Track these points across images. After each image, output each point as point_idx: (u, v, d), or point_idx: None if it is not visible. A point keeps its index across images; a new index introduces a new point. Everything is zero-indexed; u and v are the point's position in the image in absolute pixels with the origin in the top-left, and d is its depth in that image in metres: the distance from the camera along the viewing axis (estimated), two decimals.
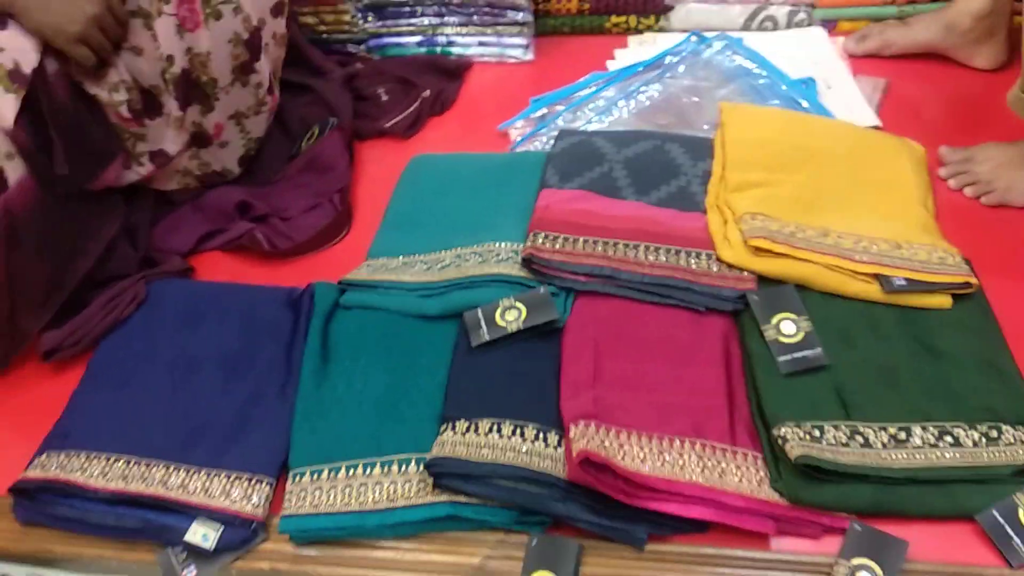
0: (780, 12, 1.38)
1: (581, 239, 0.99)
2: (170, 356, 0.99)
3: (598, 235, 1.00)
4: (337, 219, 1.15)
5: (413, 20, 1.41)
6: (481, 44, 1.42)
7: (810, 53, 1.33)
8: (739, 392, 0.89)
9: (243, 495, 0.85)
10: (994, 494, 0.79)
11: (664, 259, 0.97)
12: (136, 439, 0.90)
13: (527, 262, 0.97)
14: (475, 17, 1.38)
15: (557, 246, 0.98)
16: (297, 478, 0.86)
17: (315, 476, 0.86)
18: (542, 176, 1.11)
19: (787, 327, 0.91)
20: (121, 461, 0.88)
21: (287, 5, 1.15)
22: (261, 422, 0.92)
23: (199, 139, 1.12)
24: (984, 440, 0.82)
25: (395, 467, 0.85)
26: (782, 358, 0.89)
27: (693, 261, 0.97)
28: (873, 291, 0.94)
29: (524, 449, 0.83)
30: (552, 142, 1.19)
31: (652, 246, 0.99)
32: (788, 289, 0.95)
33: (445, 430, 0.86)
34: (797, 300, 0.93)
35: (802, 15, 1.38)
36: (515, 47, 1.41)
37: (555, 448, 0.84)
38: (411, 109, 1.33)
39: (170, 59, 1.01)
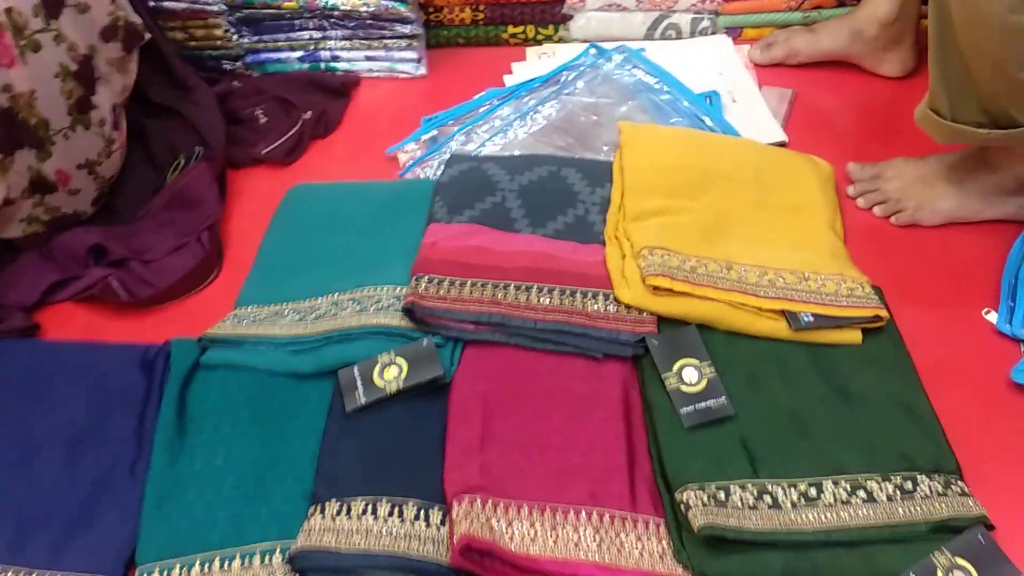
0: (683, 20, 1.31)
1: (468, 282, 0.91)
2: (6, 434, 0.86)
3: (488, 276, 0.92)
4: (205, 260, 1.04)
5: (293, 34, 1.29)
6: (369, 59, 1.32)
7: (715, 63, 1.27)
8: (640, 448, 0.82)
9: None
10: (913, 553, 0.73)
11: (559, 302, 0.89)
12: None
13: (409, 312, 0.88)
14: (360, 31, 1.28)
15: (442, 291, 0.89)
16: None
17: (165, 574, 0.75)
18: (430, 208, 1.02)
19: (689, 374, 0.84)
20: None
21: (123, 28, 1.03)
22: (109, 507, 0.81)
23: (40, 186, 0.99)
24: (899, 493, 0.77)
25: (257, 559, 0.75)
26: (684, 409, 0.82)
27: (590, 303, 0.89)
28: (780, 329, 0.88)
29: (403, 532, 0.74)
30: (443, 167, 1.10)
31: (546, 287, 0.90)
32: (690, 331, 0.88)
33: (313, 514, 0.76)
34: (700, 344, 0.86)
35: (706, 23, 1.31)
36: (406, 61, 1.31)
37: (438, 528, 0.75)
38: (292, 132, 1.22)
39: None
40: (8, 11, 0.88)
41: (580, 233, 0.99)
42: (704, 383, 0.83)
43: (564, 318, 0.87)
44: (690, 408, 0.82)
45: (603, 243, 0.98)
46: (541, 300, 0.89)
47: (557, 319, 0.87)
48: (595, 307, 0.89)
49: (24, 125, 0.92)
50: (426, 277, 0.91)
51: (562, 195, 1.03)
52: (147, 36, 1.10)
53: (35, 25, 0.90)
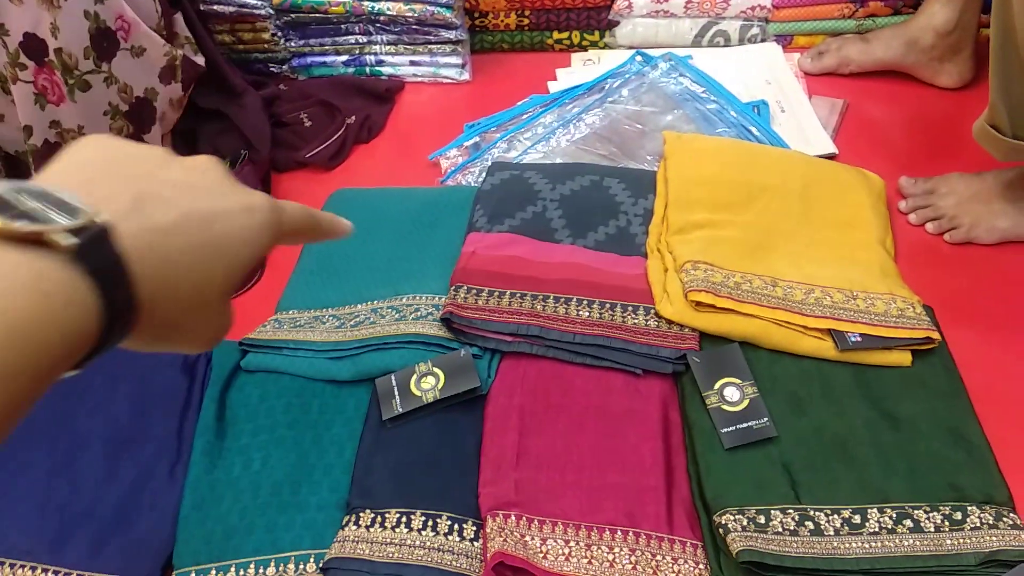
0: (732, 27, 1.29)
1: (507, 293, 0.90)
2: (50, 434, 0.88)
3: (527, 287, 0.91)
4: None
5: (339, 39, 1.30)
6: (413, 63, 1.31)
7: (764, 71, 1.24)
8: (679, 468, 0.81)
9: None
10: None
11: (598, 315, 0.88)
12: (2, 534, 0.79)
13: (447, 321, 0.88)
14: (405, 36, 1.28)
15: (480, 302, 0.89)
16: None
17: None
18: (470, 217, 1.02)
19: (731, 393, 0.82)
20: None
21: (181, 67, 1.04)
22: (147, 511, 0.82)
23: None
24: (947, 524, 0.74)
25: (291, 566, 0.76)
26: (725, 430, 0.80)
27: (630, 317, 0.88)
28: (826, 348, 0.86)
29: (436, 545, 0.74)
30: (484, 174, 1.09)
31: (585, 300, 0.89)
32: (733, 349, 0.86)
33: (347, 523, 0.76)
34: (743, 362, 0.85)
35: (755, 30, 1.29)
36: (450, 67, 1.31)
37: (471, 542, 0.75)
38: (336, 136, 1.22)
39: (28, 129, 0.90)
40: (58, 51, 0.90)
41: (622, 245, 0.98)
42: (746, 403, 0.82)
43: (603, 332, 0.86)
44: (731, 428, 0.80)
45: (645, 255, 0.97)
46: (580, 313, 0.88)
47: (596, 333, 0.86)
48: (635, 321, 0.88)
49: None
50: (465, 287, 0.90)
51: (604, 205, 1.01)
52: (202, 66, 1.12)
53: (85, 67, 0.92)
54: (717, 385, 0.83)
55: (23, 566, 0.77)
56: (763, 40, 1.30)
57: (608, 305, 0.89)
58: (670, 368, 0.86)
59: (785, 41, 1.30)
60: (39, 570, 0.77)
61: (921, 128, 1.19)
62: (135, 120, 0.98)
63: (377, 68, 1.32)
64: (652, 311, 0.89)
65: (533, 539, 0.73)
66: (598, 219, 1.00)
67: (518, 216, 1.00)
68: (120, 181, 0.33)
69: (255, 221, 0.36)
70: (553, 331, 0.87)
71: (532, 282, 0.91)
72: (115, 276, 0.30)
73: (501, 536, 0.71)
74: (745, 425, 0.80)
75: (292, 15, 1.27)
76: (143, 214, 0.32)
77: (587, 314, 0.88)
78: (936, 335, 0.86)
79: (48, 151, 0.92)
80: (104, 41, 0.94)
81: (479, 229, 0.99)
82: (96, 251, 0.29)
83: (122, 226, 0.31)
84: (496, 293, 0.90)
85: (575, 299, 0.89)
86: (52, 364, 0.28)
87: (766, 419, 0.80)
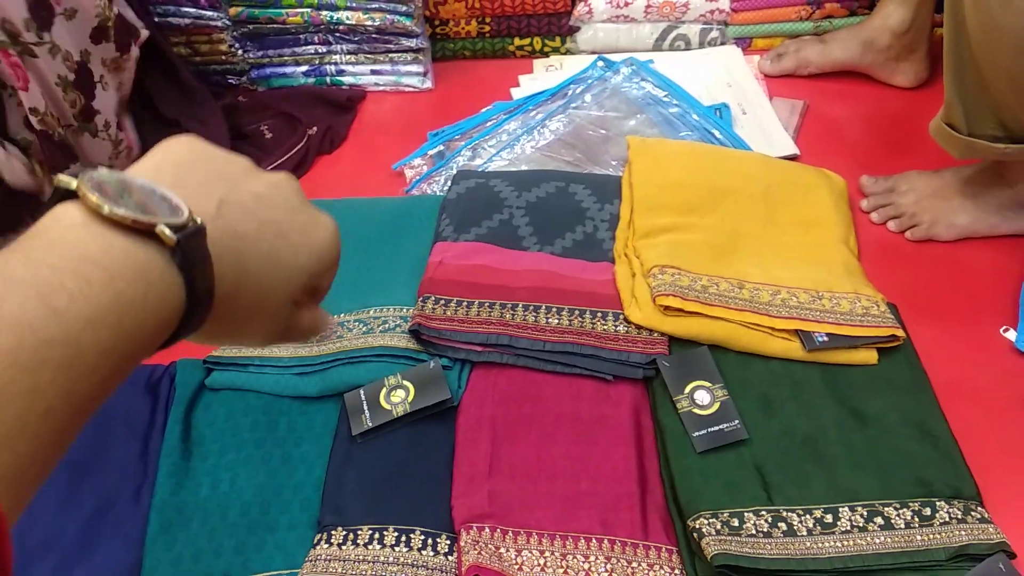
0: (692, 30, 1.29)
1: (475, 303, 0.89)
2: None
3: (495, 296, 0.90)
4: None
5: (298, 49, 1.29)
6: (374, 72, 1.30)
7: (724, 74, 1.25)
8: (652, 473, 0.81)
9: None
10: None
11: (567, 322, 0.88)
12: None
13: (415, 334, 0.87)
14: (365, 45, 1.27)
15: (449, 312, 0.88)
16: None
17: None
18: (436, 226, 1.01)
19: (702, 397, 0.82)
20: None
21: (114, 26, 1.01)
22: (111, 537, 0.79)
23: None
24: (917, 519, 0.75)
25: None
26: (696, 433, 0.80)
27: (599, 323, 0.88)
28: (794, 349, 0.86)
29: (410, 560, 0.73)
30: (450, 182, 1.09)
31: (554, 308, 0.89)
32: (702, 352, 0.86)
33: (319, 541, 0.75)
34: (712, 365, 0.85)
35: (715, 33, 1.30)
36: (411, 75, 1.30)
37: (446, 556, 0.74)
38: (297, 148, 1.21)
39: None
40: (2, 22, 0.87)
41: (589, 251, 0.97)
42: (717, 406, 0.82)
43: (573, 339, 0.86)
44: (703, 432, 0.80)
45: (612, 260, 0.97)
46: (549, 320, 0.88)
47: (566, 340, 0.86)
48: (604, 327, 0.88)
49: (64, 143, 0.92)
50: (432, 298, 0.89)
51: (570, 212, 1.01)
52: (144, 33, 1.09)
53: (29, 38, 0.90)
54: (687, 389, 0.83)
55: None
56: (723, 43, 1.31)
57: (577, 312, 0.89)
58: (640, 373, 0.86)
59: (744, 44, 1.31)
60: None
61: (880, 127, 1.21)
62: (82, 89, 0.95)
63: (338, 78, 1.31)
64: (621, 316, 0.89)
65: (508, 551, 0.72)
66: (565, 225, 1.00)
67: (484, 224, 1.00)
68: (208, 185, 0.36)
69: (321, 238, 0.40)
70: (522, 340, 0.86)
71: (500, 291, 0.91)
72: (202, 273, 0.33)
73: (476, 549, 0.71)
74: (716, 428, 0.80)
75: (249, 26, 1.25)
76: (226, 219, 0.35)
77: (556, 321, 0.88)
78: (900, 332, 0.87)
79: (46, 139, 0.90)
80: (42, 10, 0.91)
81: (445, 238, 0.98)
82: (192, 248, 0.32)
83: (208, 227, 0.33)
84: (464, 303, 0.89)
85: (544, 307, 0.89)
86: (141, 348, 0.31)
87: (737, 422, 0.81)
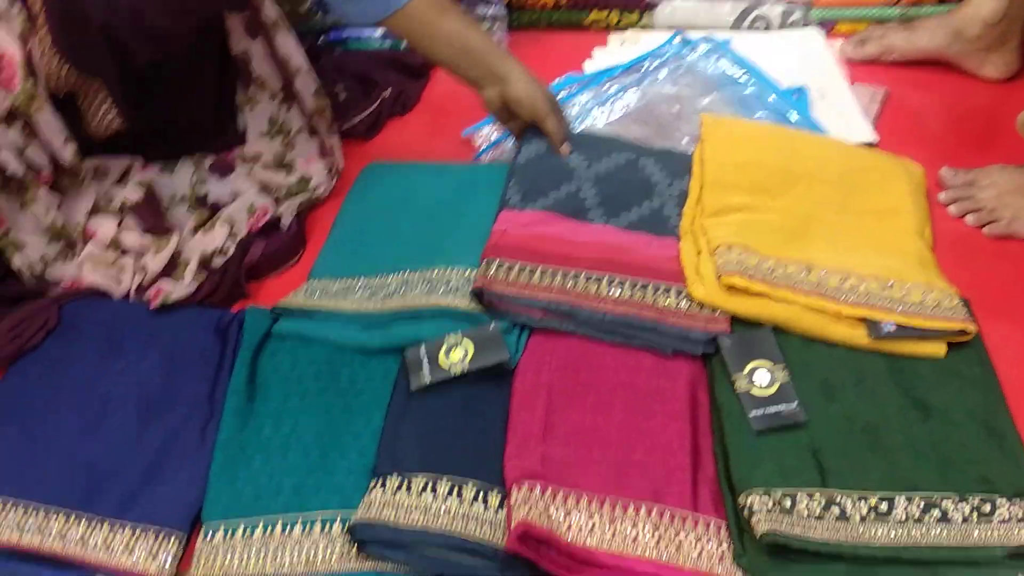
0: (773, 11, 1.27)
1: (539, 269, 0.90)
2: (83, 391, 0.89)
3: (559, 264, 0.91)
4: (291, 242, 1.05)
5: None
6: None
7: (804, 57, 1.23)
8: (705, 449, 0.80)
9: (148, 553, 0.76)
10: None
11: (629, 294, 0.88)
12: (36, 484, 0.81)
13: (478, 295, 0.88)
14: None
15: (511, 277, 0.89)
16: (210, 535, 0.77)
17: (229, 534, 0.77)
18: (503, 194, 1.01)
19: (761, 377, 0.82)
20: (18, 509, 0.79)
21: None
22: (177, 468, 0.83)
23: None
24: (976, 515, 0.73)
25: (318, 527, 0.77)
26: (754, 413, 0.80)
27: (662, 298, 0.88)
28: (859, 336, 0.85)
29: (461, 512, 0.74)
30: (521, 144, 1.09)
31: (617, 278, 0.89)
32: (764, 332, 0.85)
33: (374, 487, 0.77)
34: (774, 346, 0.84)
35: (797, 15, 1.27)
36: None
37: (496, 511, 0.75)
38: (371, 109, 1.23)
39: None
40: None
41: (655, 226, 0.97)
42: (776, 387, 0.81)
43: (634, 311, 0.86)
44: (760, 412, 0.80)
45: (678, 237, 0.96)
46: (611, 292, 0.88)
47: (626, 312, 0.86)
48: (666, 302, 0.87)
49: None
50: (496, 261, 0.90)
51: (639, 186, 1.01)
52: None
53: None
54: (747, 368, 0.82)
55: (57, 513, 0.79)
56: (805, 25, 1.28)
57: (640, 284, 0.89)
58: (700, 349, 0.85)
59: (827, 27, 1.28)
60: (72, 518, 0.78)
61: (963, 119, 1.17)
62: None
63: None
64: (684, 292, 0.88)
65: (557, 511, 0.73)
66: (632, 199, 1.00)
67: (551, 195, 1.00)
68: None
69: None
70: (583, 309, 0.87)
71: (564, 259, 0.91)
72: None
73: (526, 506, 0.72)
74: (774, 409, 0.80)
75: None
76: None
77: (618, 292, 0.88)
78: (972, 327, 0.85)
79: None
80: None
81: (512, 207, 0.99)
82: None
83: None
84: (527, 268, 0.90)
85: (606, 277, 0.89)
86: None
87: (796, 404, 0.80)
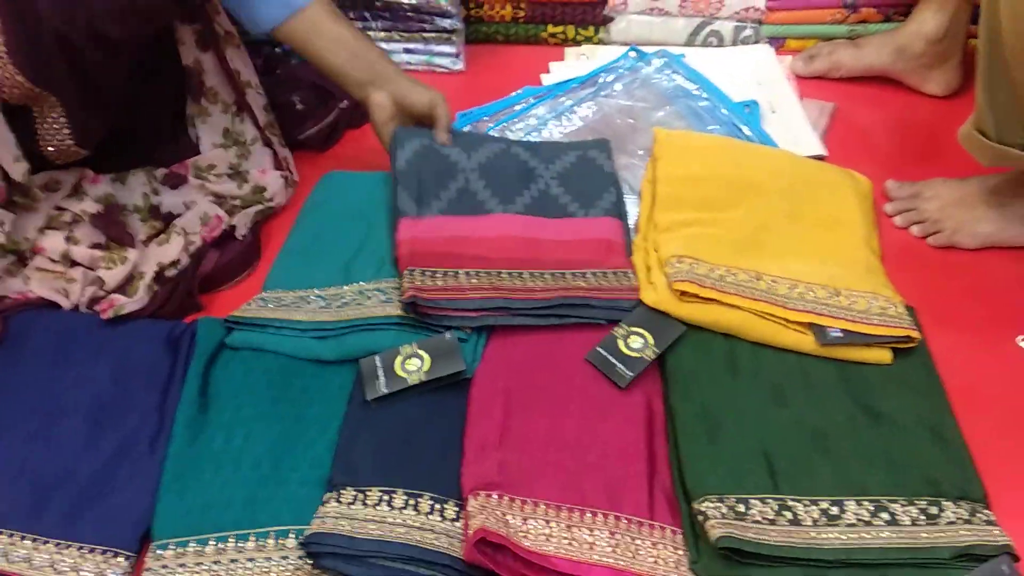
0: (726, 28, 1.30)
1: (461, 272, 0.91)
2: (30, 403, 0.87)
3: (478, 266, 0.93)
4: (246, 253, 1.04)
5: None
6: (407, 51, 1.32)
7: (756, 72, 1.26)
8: (661, 457, 0.81)
9: (96, 571, 0.75)
10: None
11: (552, 282, 0.92)
12: None
13: (412, 306, 0.88)
14: (400, 23, 1.28)
15: (438, 282, 0.89)
16: (159, 552, 0.76)
17: (180, 550, 0.75)
18: (393, 201, 1.00)
19: (636, 342, 0.87)
20: None
21: None
22: (126, 482, 0.81)
23: None
24: (923, 517, 0.75)
25: (271, 540, 0.76)
26: (601, 351, 0.87)
27: (580, 280, 0.92)
28: (807, 342, 0.87)
29: (417, 523, 0.74)
30: (394, 148, 1.06)
31: (536, 272, 0.93)
32: (674, 325, 0.89)
33: (329, 500, 0.76)
34: (668, 336, 0.88)
35: (749, 31, 1.30)
36: (444, 55, 1.31)
37: (452, 522, 0.75)
38: (327, 120, 1.22)
39: None
40: None
41: (547, 208, 1.01)
42: (636, 356, 0.86)
43: (563, 293, 0.90)
44: (606, 355, 0.86)
45: (571, 215, 1.01)
46: (535, 282, 0.91)
47: (557, 294, 0.89)
48: (587, 282, 0.92)
49: None
50: (418, 270, 0.90)
51: (520, 171, 1.05)
52: None
53: None
54: (632, 331, 0.88)
55: (9, 534, 0.76)
56: (756, 42, 1.31)
57: (557, 273, 0.93)
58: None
59: (778, 44, 1.32)
60: (16, 537, 0.76)
61: (908, 133, 1.21)
62: None
63: None
64: (599, 272, 0.93)
65: (515, 518, 0.73)
66: (520, 185, 1.03)
67: (444, 196, 1.01)
68: None
69: None
70: (516, 300, 0.89)
71: (480, 260, 0.93)
72: None
73: (483, 514, 0.72)
74: (619, 366, 0.85)
75: None
76: None
77: (541, 282, 0.92)
78: (916, 334, 0.87)
79: None
80: None
81: (407, 214, 0.98)
82: None
83: None
84: (451, 273, 0.91)
85: (527, 272, 0.93)
86: None
87: (631, 375, 0.85)
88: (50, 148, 0.97)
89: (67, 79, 0.92)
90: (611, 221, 1.01)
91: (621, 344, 0.87)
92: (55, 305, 0.96)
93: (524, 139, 1.14)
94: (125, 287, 0.97)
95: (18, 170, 0.92)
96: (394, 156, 1.03)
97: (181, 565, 0.74)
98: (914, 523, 0.75)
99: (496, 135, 1.12)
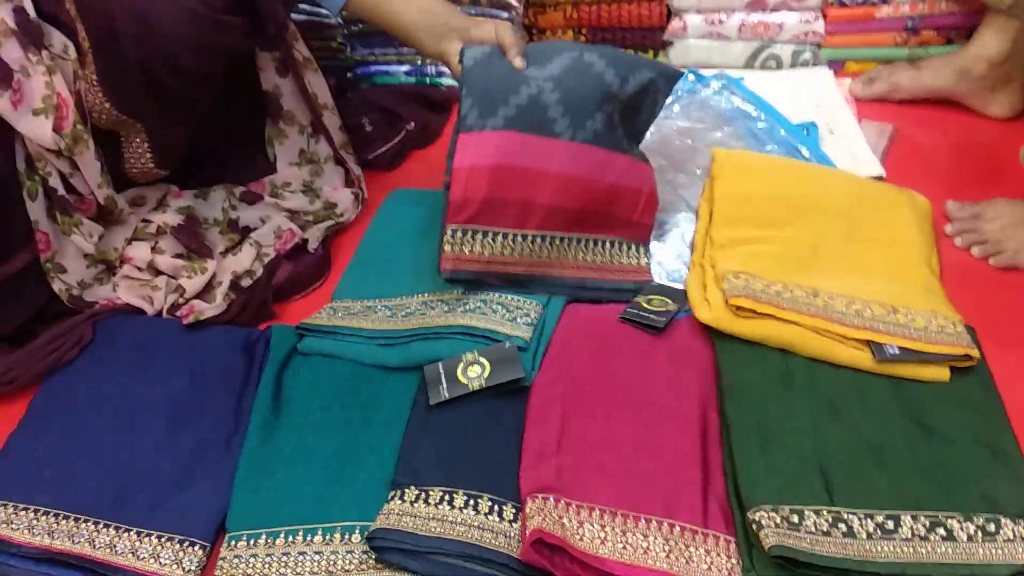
0: (784, 51, 1.32)
1: (500, 235, 0.94)
2: (114, 402, 0.93)
3: (518, 222, 0.95)
4: (317, 265, 1.10)
5: (402, 49, 1.36)
6: None
7: (814, 95, 1.27)
8: (715, 464, 0.83)
9: (173, 559, 0.79)
10: None
11: (580, 258, 1.00)
12: (68, 492, 0.84)
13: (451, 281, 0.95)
14: None
15: (476, 249, 0.94)
16: (233, 543, 0.80)
17: (252, 542, 0.80)
18: (459, 109, 0.94)
19: (659, 304, 0.97)
20: (50, 515, 0.82)
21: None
22: (202, 477, 0.86)
23: None
24: (980, 534, 0.75)
25: (337, 535, 0.79)
26: (629, 311, 0.95)
27: (600, 256, 1.01)
28: (864, 359, 0.87)
29: (476, 523, 0.77)
30: (463, 52, 1.02)
31: (570, 240, 0.99)
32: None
33: (393, 498, 0.79)
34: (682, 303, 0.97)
35: (808, 55, 1.32)
36: None
37: (510, 523, 0.77)
38: (395, 141, 1.28)
39: None
40: None
41: (611, 139, 0.99)
42: (657, 311, 0.95)
43: (584, 274, 0.97)
44: (634, 312, 0.95)
45: (627, 152, 1.02)
46: (566, 257, 0.98)
47: (588, 276, 0.99)
48: (602, 259, 1.00)
49: None
50: (460, 230, 0.93)
51: (595, 89, 0.96)
52: None
53: None
54: (656, 298, 0.98)
55: (87, 520, 0.82)
56: (815, 65, 1.32)
57: (588, 243, 1.00)
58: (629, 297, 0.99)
59: (837, 66, 1.33)
60: (100, 525, 0.81)
61: (969, 155, 1.21)
62: None
63: (437, 79, 1.38)
64: (619, 245, 1.02)
65: (571, 522, 0.75)
66: (592, 106, 0.96)
67: (512, 102, 0.93)
68: None
69: None
70: (550, 277, 0.98)
71: (524, 210, 0.95)
72: None
73: (540, 516, 0.74)
74: (642, 315, 0.95)
75: (360, 26, 1.33)
76: None
77: (570, 257, 0.99)
78: (975, 353, 0.87)
79: None
80: None
81: (471, 128, 0.93)
82: None
83: None
84: (490, 235, 0.94)
85: (561, 240, 0.98)
86: None
87: (662, 322, 0.94)
88: (134, 170, 1.05)
89: (150, 107, 0.99)
90: (647, 170, 1.04)
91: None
92: (139, 311, 1.03)
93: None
94: (204, 295, 1.03)
95: (102, 195, 0.99)
96: (464, 60, 0.97)
97: (253, 555, 0.79)
98: (971, 539, 0.75)
99: (565, 42, 1.12)
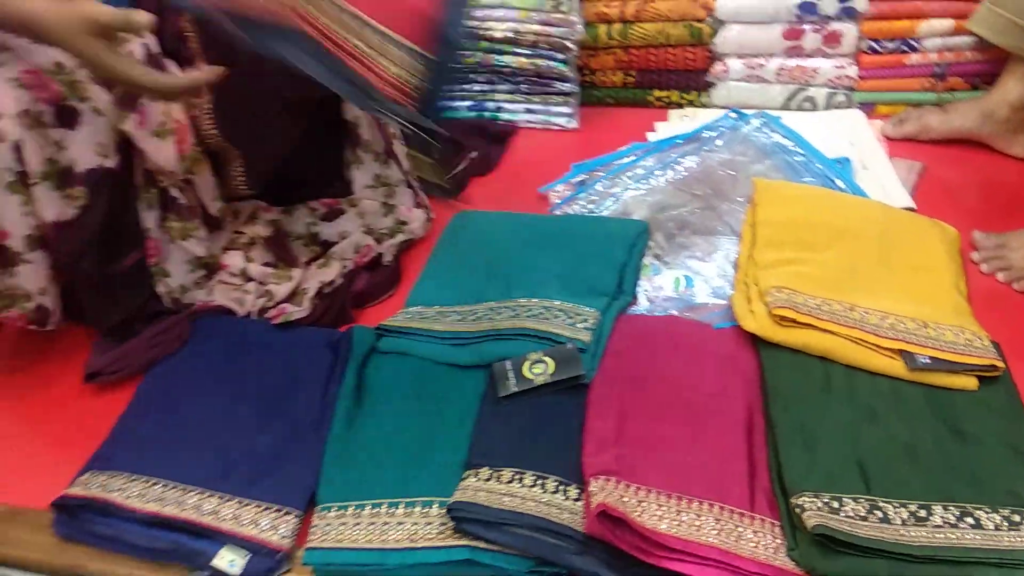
0: (819, 93, 1.42)
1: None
2: (212, 390, 1.03)
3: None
4: (390, 276, 1.21)
5: (465, 87, 1.48)
6: (528, 111, 1.48)
7: (847, 134, 1.36)
8: (760, 462, 0.90)
9: (271, 525, 0.88)
10: None
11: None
12: (175, 465, 0.94)
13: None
14: (523, 86, 1.45)
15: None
16: (323, 512, 0.89)
17: (341, 512, 0.89)
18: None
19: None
20: (159, 485, 0.92)
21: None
22: (294, 457, 0.95)
23: None
24: (1006, 524, 0.82)
25: (418, 508, 0.88)
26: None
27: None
28: (897, 367, 0.95)
29: (544, 500, 0.85)
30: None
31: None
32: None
33: (468, 476, 0.88)
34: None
35: (841, 97, 1.42)
36: (560, 115, 1.48)
37: (574, 501, 0.86)
38: (459, 168, 1.39)
39: None
40: None
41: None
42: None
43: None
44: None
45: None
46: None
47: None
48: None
49: None
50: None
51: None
52: None
53: None
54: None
55: (193, 490, 0.91)
56: (848, 107, 1.42)
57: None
58: None
59: (868, 109, 1.42)
60: (206, 494, 0.91)
61: (994, 192, 1.29)
62: None
63: (496, 113, 1.50)
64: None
65: (630, 500, 0.83)
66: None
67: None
68: None
69: None
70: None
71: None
72: None
73: (603, 493, 0.82)
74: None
75: None
76: None
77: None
78: (1000, 364, 0.95)
79: None
80: None
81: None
82: None
83: None
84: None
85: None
86: None
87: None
88: (229, 191, 1.17)
89: (251, 135, 1.11)
90: None
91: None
92: (230, 312, 1.14)
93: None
94: (291, 299, 1.14)
95: (214, 207, 1.11)
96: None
97: (342, 523, 0.88)
98: (997, 528, 0.81)
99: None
